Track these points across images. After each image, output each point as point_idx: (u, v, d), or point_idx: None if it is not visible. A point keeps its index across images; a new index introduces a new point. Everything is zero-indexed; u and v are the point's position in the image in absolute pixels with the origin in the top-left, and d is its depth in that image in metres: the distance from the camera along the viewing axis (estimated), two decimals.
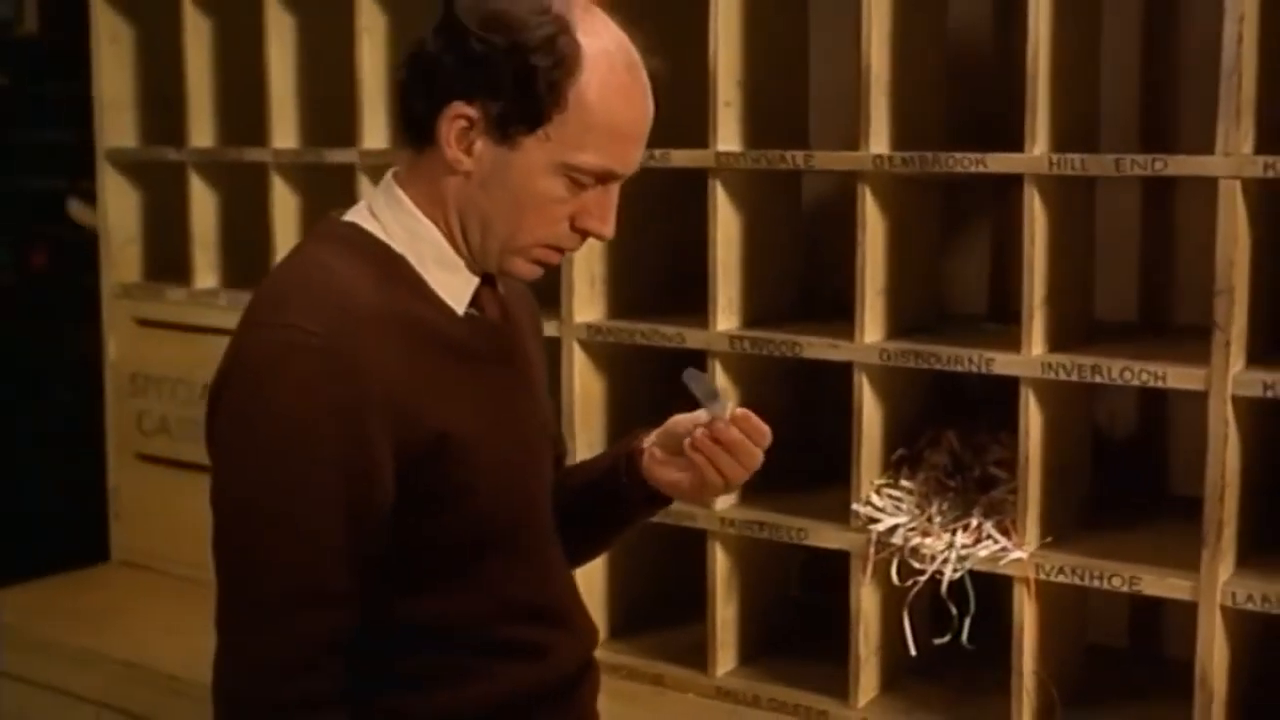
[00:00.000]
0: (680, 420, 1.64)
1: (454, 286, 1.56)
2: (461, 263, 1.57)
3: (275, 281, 1.55)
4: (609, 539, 1.83)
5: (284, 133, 2.67)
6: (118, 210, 2.93)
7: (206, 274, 2.81)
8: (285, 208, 2.68)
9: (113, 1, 2.87)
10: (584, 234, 1.55)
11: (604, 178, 1.51)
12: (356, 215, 1.58)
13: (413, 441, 1.48)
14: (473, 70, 1.47)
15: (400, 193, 1.56)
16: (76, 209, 5.55)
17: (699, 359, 2.23)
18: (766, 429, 1.61)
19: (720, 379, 2.24)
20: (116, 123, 2.91)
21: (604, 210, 1.53)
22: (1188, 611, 1.98)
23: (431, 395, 1.50)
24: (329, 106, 2.68)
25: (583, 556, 1.79)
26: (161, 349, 2.85)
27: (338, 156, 2.58)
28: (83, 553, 3.20)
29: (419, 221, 1.55)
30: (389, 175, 1.60)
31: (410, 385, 1.47)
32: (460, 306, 1.57)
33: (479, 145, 1.49)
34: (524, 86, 1.45)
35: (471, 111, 1.47)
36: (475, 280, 1.58)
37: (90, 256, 5.39)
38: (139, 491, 2.93)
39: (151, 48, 2.92)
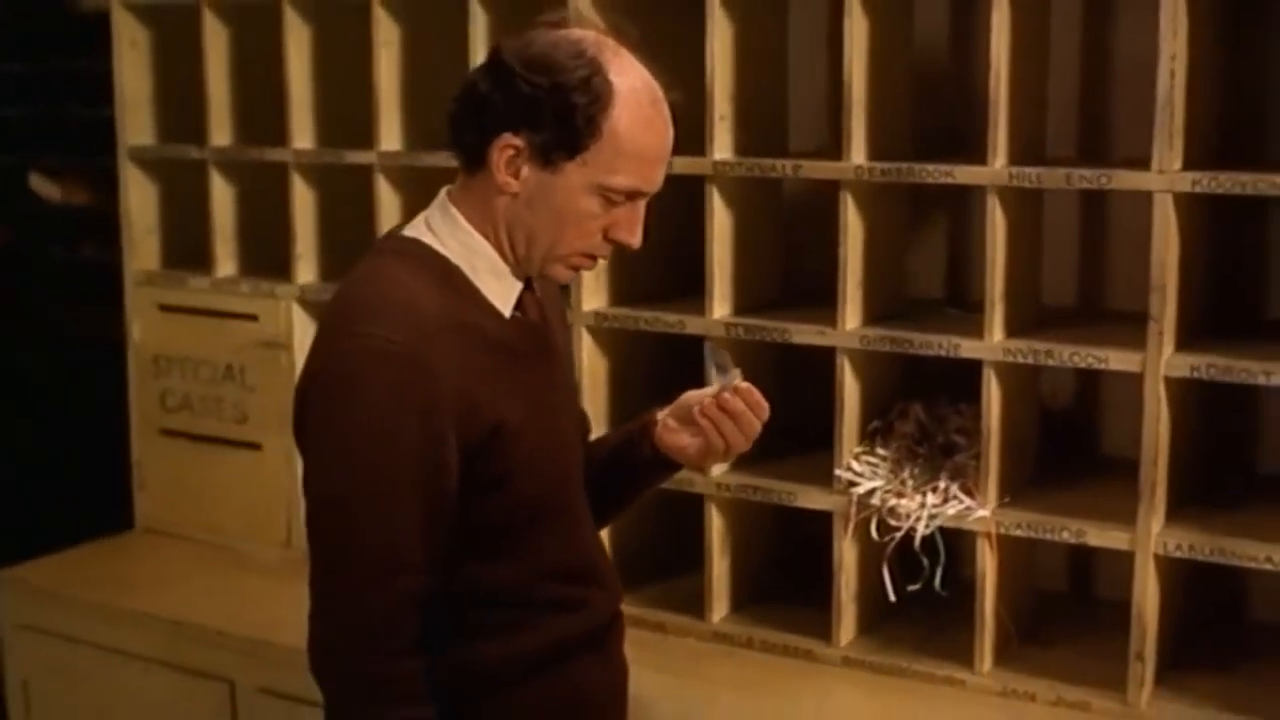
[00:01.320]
0: (691, 395, 1.91)
1: (502, 292, 1.79)
2: (508, 270, 1.79)
3: (353, 294, 1.77)
4: (627, 502, 2.07)
5: (302, 134, 2.90)
6: (139, 203, 3.13)
7: (226, 263, 3.04)
8: (304, 204, 2.91)
9: (132, 9, 3.07)
10: (615, 244, 1.78)
11: (633, 195, 1.75)
12: (416, 231, 1.81)
13: (473, 432, 1.71)
14: (520, 106, 1.70)
15: (454, 211, 1.79)
16: (38, 183, 5.68)
17: (697, 344, 2.51)
18: (765, 404, 1.86)
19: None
20: (136, 122, 3.11)
21: (633, 224, 1.77)
22: (1123, 559, 2.31)
23: (486, 391, 1.72)
24: (343, 110, 2.92)
25: (606, 518, 2.04)
26: (184, 332, 3.07)
27: (357, 158, 2.82)
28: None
29: (472, 236, 1.77)
30: (443, 195, 1.83)
31: (470, 384, 1.70)
32: (507, 309, 1.80)
33: (525, 170, 1.72)
34: (564, 120, 1.69)
35: (519, 141, 1.70)
36: (519, 285, 1.81)
37: (53, 230, 5.53)
38: (162, 464, 3.16)
39: (168, 52, 3.12)
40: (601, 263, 2.62)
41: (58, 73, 5.35)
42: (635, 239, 1.78)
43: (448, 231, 1.79)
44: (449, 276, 1.77)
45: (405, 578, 1.68)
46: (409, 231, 1.82)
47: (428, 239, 1.79)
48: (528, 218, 1.75)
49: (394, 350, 1.66)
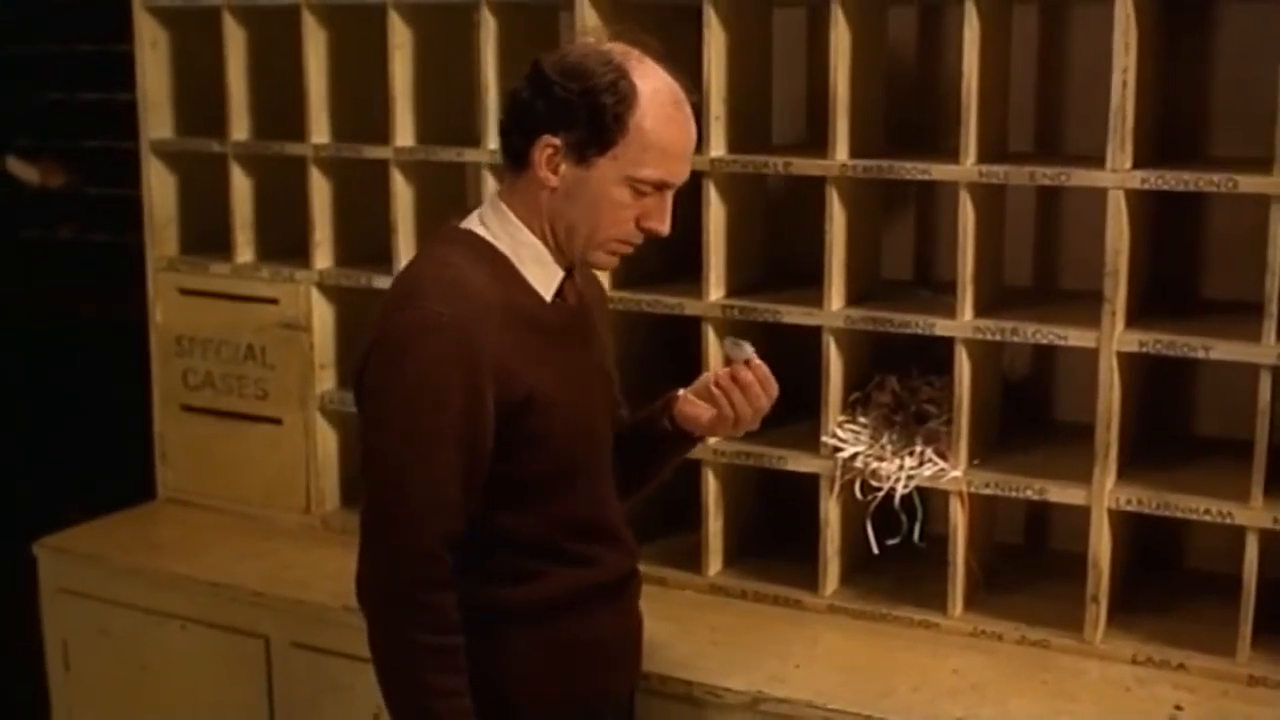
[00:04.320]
0: (711, 373, 2.18)
1: (545, 279, 2.04)
2: (552, 259, 2.04)
3: (412, 275, 2.02)
4: (651, 473, 2.30)
5: (319, 130, 3.11)
6: (160, 194, 3.33)
7: (245, 250, 3.25)
8: (321, 194, 3.13)
9: (153, 11, 3.25)
10: (647, 232, 2.01)
11: (660, 186, 1.98)
12: (470, 223, 2.06)
13: (509, 398, 1.95)
14: (556, 110, 1.95)
15: (504, 206, 2.04)
16: (15, 164, 5.81)
17: (695, 324, 2.77)
18: (774, 381, 2.11)
19: (711, 337, 2.78)
20: (157, 117, 3.30)
21: (662, 213, 2.01)
22: (1076, 513, 2.60)
23: (522, 363, 1.96)
24: (358, 108, 3.14)
25: (633, 488, 2.27)
26: (206, 315, 3.27)
27: (374, 153, 3.04)
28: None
29: (519, 229, 2.03)
30: (494, 193, 2.09)
31: (509, 356, 1.95)
32: (548, 294, 2.04)
33: (563, 167, 1.97)
34: (595, 120, 1.94)
35: (557, 141, 1.95)
36: (561, 273, 2.05)
37: (27, 210, 5.66)
38: (184, 437, 3.37)
39: (186, 51, 3.31)
40: None
41: (35, 56, 5.50)
42: (664, 227, 2.01)
43: (498, 225, 2.03)
44: (497, 262, 2.01)
45: (445, 519, 1.92)
46: (464, 224, 2.06)
47: (480, 231, 2.04)
48: (568, 210, 1.99)
49: (442, 322, 1.90)
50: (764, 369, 2.11)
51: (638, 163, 1.95)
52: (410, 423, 1.91)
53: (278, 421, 3.23)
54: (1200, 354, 2.45)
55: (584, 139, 1.95)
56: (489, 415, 1.94)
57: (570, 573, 2.08)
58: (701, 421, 2.17)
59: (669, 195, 2.01)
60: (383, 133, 3.02)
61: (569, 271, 2.08)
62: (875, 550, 2.71)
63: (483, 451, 1.95)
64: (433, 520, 1.92)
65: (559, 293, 2.07)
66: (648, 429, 2.24)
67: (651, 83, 1.96)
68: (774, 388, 2.12)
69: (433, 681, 1.93)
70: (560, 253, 2.05)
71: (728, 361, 2.14)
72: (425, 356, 1.90)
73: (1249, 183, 2.36)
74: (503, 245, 2.03)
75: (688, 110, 2.00)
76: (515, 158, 2.02)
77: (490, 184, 2.90)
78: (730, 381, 2.11)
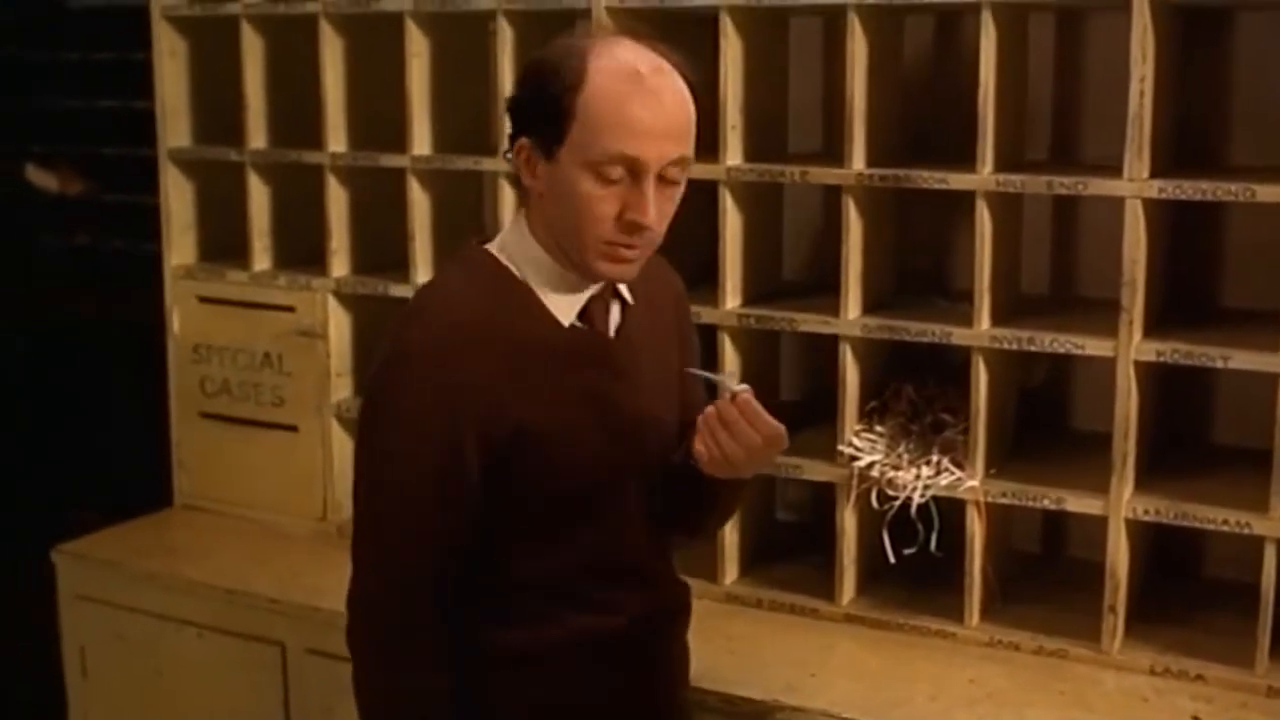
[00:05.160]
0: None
1: (563, 302, 1.90)
2: (572, 279, 1.90)
3: (414, 300, 1.98)
4: (705, 510, 2.06)
5: (336, 138, 3.12)
6: (178, 202, 3.34)
7: (263, 258, 3.26)
8: (338, 203, 3.13)
9: (172, 20, 3.27)
10: (628, 227, 1.81)
11: (630, 169, 1.78)
12: (493, 243, 1.96)
13: (496, 429, 1.84)
14: (520, 110, 1.87)
15: (523, 224, 1.93)
16: (33, 172, 5.84)
17: (712, 333, 2.77)
18: (766, 418, 1.82)
19: (728, 346, 2.77)
20: (175, 125, 3.32)
21: (640, 202, 1.79)
22: (1094, 522, 2.59)
23: (514, 393, 1.84)
24: (375, 116, 3.15)
25: (695, 526, 2.12)
26: (223, 323, 3.28)
27: (391, 161, 3.04)
28: None
29: (533, 246, 1.91)
30: (515, 210, 2.02)
31: (497, 386, 1.83)
32: (566, 319, 1.90)
33: (540, 167, 1.84)
34: (547, 111, 1.80)
35: (527, 142, 1.84)
36: (585, 295, 1.91)
37: (42, 218, 5.70)
38: (201, 444, 3.38)
39: (204, 60, 3.33)
40: None
41: (55, 65, 5.53)
42: (645, 217, 1.80)
43: (514, 243, 1.93)
44: (504, 285, 1.90)
45: (424, 553, 1.86)
46: (490, 244, 1.97)
47: (495, 249, 1.94)
48: (555, 212, 1.86)
49: (416, 350, 1.85)
50: (751, 405, 1.85)
51: (590, 143, 1.79)
52: (385, 455, 1.87)
53: (294, 429, 3.24)
54: (1218, 363, 2.44)
55: (544, 134, 1.82)
56: (469, 443, 1.84)
57: (584, 619, 1.96)
58: (703, 460, 1.91)
59: (647, 182, 1.80)
60: (400, 141, 3.02)
61: (621, 297, 1.96)
62: (891, 559, 2.71)
63: (463, 481, 1.86)
64: (411, 555, 1.87)
65: (585, 317, 1.94)
66: (681, 464, 2.00)
67: (604, 61, 1.80)
68: (769, 426, 1.85)
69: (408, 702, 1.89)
70: (574, 267, 1.90)
71: (715, 394, 1.90)
72: (398, 387, 1.85)
73: (1267, 192, 2.36)
74: (516, 266, 1.92)
75: (656, 82, 1.80)
76: (516, 169, 1.93)
77: (507, 192, 2.92)
78: (715, 419, 1.86)
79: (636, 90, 1.79)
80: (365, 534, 1.91)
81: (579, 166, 1.81)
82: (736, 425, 1.84)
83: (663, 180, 1.82)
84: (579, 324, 1.93)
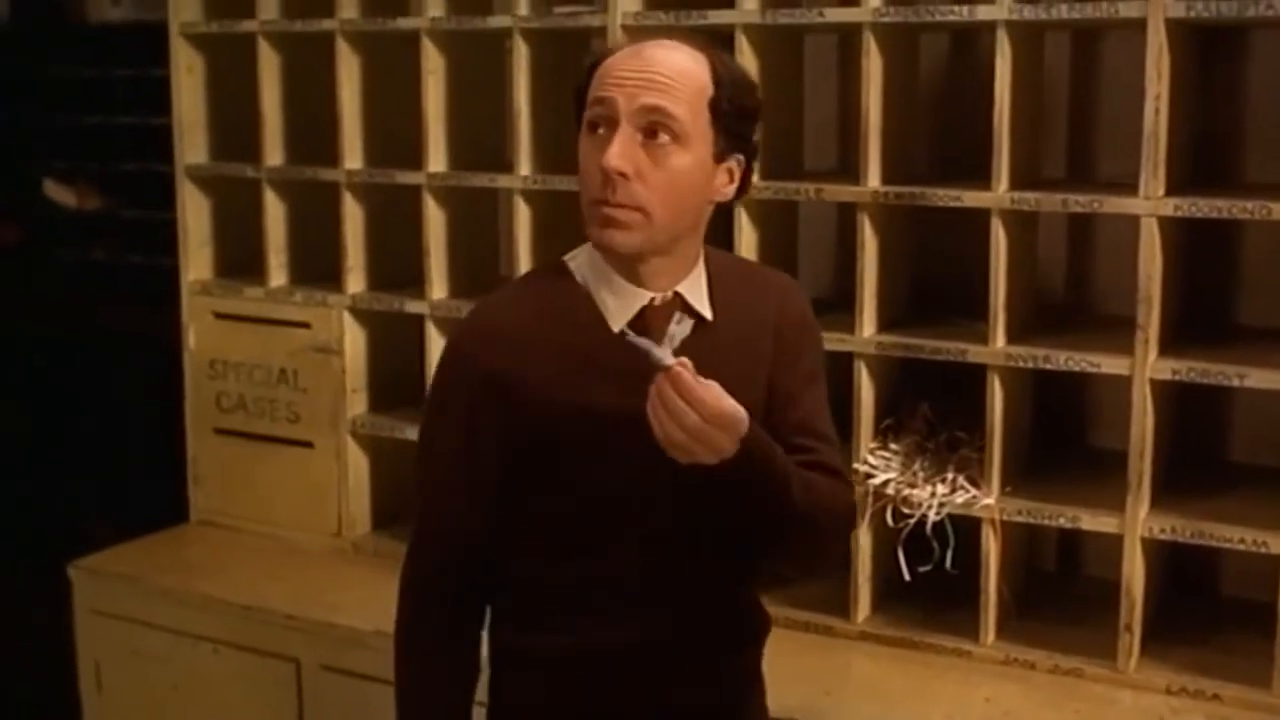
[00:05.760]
0: None
1: (617, 308, 1.84)
2: (627, 286, 1.84)
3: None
4: (735, 514, 1.83)
5: (352, 155, 3.13)
6: (194, 218, 3.36)
7: (279, 274, 3.27)
8: (354, 220, 3.15)
9: (189, 37, 3.29)
10: (605, 176, 1.75)
11: (605, 113, 1.76)
12: (572, 252, 1.92)
13: (515, 426, 1.84)
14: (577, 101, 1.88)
15: None
16: (51, 187, 5.88)
17: None
18: (701, 394, 1.64)
19: None
20: (192, 142, 3.33)
21: (609, 146, 1.75)
22: (1110, 541, 2.58)
23: (541, 394, 1.82)
24: (390, 132, 3.16)
25: (757, 543, 1.91)
26: (239, 338, 3.30)
27: (406, 178, 3.06)
28: None
29: (596, 253, 1.86)
30: None
31: (522, 384, 1.82)
32: (617, 325, 1.83)
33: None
34: (578, 100, 1.84)
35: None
36: (638, 302, 1.84)
37: (60, 233, 5.73)
38: (217, 460, 3.39)
39: (220, 77, 3.34)
40: None
41: (74, 82, 5.56)
42: (608, 159, 1.75)
43: (587, 249, 1.89)
44: (561, 290, 1.88)
45: (448, 536, 1.91)
46: (570, 253, 1.94)
47: (569, 256, 1.93)
48: None
49: (453, 343, 1.93)
50: (683, 380, 1.66)
51: (587, 107, 1.82)
52: (424, 444, 1.95)
53: (309, 445, 3.25)
54: (1235, 382, 2.44)
55: (578, 118, 1.85)
56: (488, 435, 1.86)
57: (596, 633, 1.91)
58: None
59: (619, 129, 1.76)
60: (415, 158, 3.04)
61: (695, 312, 1.87)
62: (907, 577, 2.70)
63: (484, 470, 1.88)
64: (437, 537, 1.93)
65: (643, 328, 1.83)
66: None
67: (621, 48, 1.83)
68: (705, 404, 1.66)
69: (404, 688, 1.97)
70: (654, 276, 1.84)
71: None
72: (438, 382, 1.95)
73: None
74: (581, 272, 1.89)
75: (650, 48, 1.80)
76: None
77: (522, 208, 2.93)
78: (655, 398, 1.68)
79: (627, 52, 1.82)
80: (417, 510, 1.98)
81: (583, 130, 1.83)
82: (672, 403, 1.66)
83: (649, 139, 1.77)
84: (626, 331, 1.82)
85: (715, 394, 1.68)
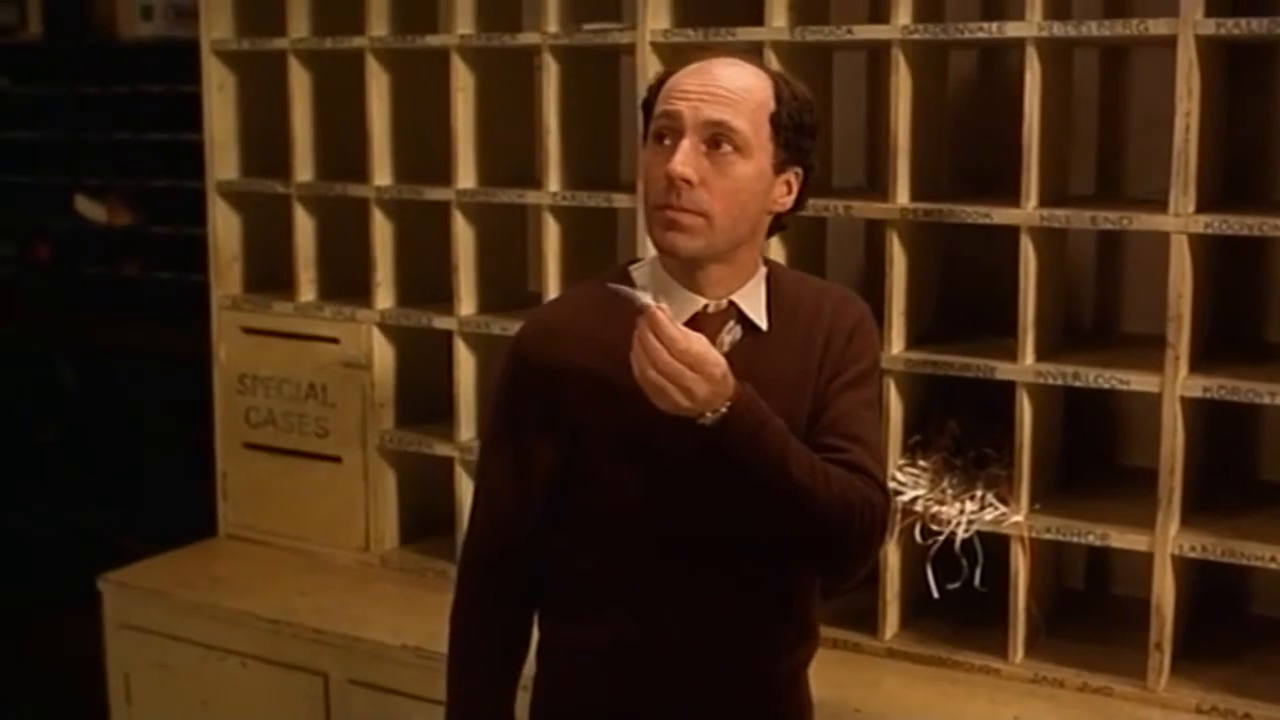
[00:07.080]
0: None
1: (670, 312, 1.76)
2: (681, 292, 1.89)
3: None
4: (748, 500, 1.82)
5: (381, 172, 3.15)
6: (224, 234, 3.38)
7: (308, 290, 3.29)
8: (383, 235, 3.16)
9: (221, 54, 3.32)
10: (669, 181, 1.80)
11: (671, 125, 1.83)
12: (639, 260, 2.02)
13: (558, 424, 1.92)
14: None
15: None
16: (83, 203, 5.93)
17: None
18: (674, 333, 1.68)
19: None
20: (223, 158, 3.36)
21: (674, 154, 1.81)
22: (1139, 559, 2.58)
23: (584, 395, 1.89)
24: (419, 149, 3.18)
25: (781, 533, 1.86)
26: (269, 354, 3.31)
27: (435, 194, 3.07)
28: None
29: (658, 262, 1.93)
30: None
31: (568, 384, 1.90)
32: None
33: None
34: (645, 114, 1.93)
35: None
36: (690, 309, 1.88)
37: (90, 249, 5.78)
38: (245, 475, 3.41)
39: (251, 94, 3.37)
40: None
41: (106, 98, 5.61)
42: (673, 166, 1.80)
43: (651, 257, 1.97)
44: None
45: (499, 513, 1.99)
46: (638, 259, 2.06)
47: (634, 264, 2.00)
48: None
49: (517, 342, 1.99)
50: (657, 319, 1.70)
51: (651, 121, 1.90)
52: (486, 424, 2.08)
53: (337, 460, 3.26)
54: (1265, 399, 2.43)
55: (645, 132, 1.93)
56: (534, 425, 1.94)
57: (627, 631, 1.96)
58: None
59: (683, 139, 1.82)
60: (444, 174, 3.05)
61: (748, 322, 1.92)
62: (935, 594, 2.70)
63: (532, 464, 1.95)
64: (491, 514, 2.00)
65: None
66: None
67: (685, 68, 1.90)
68: (679, 344, 1.69)
69: (455, 659, 2.04)
70: (712, 284, 1.89)
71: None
72: (501, 370, 2.02)
73: None
74: (641, 277, 1.94)
75: (714, 65, 1.87)
76: None
77: (551, 224, 2.94)
78: (636, 342, 1.73)
79: (693, 68, 1.89)
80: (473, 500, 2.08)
81: (648, 143, 1.90)
82: (646, 341, 1.71)
83: (712, 149, 1.82)
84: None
85: (689, 336, 1.71)
